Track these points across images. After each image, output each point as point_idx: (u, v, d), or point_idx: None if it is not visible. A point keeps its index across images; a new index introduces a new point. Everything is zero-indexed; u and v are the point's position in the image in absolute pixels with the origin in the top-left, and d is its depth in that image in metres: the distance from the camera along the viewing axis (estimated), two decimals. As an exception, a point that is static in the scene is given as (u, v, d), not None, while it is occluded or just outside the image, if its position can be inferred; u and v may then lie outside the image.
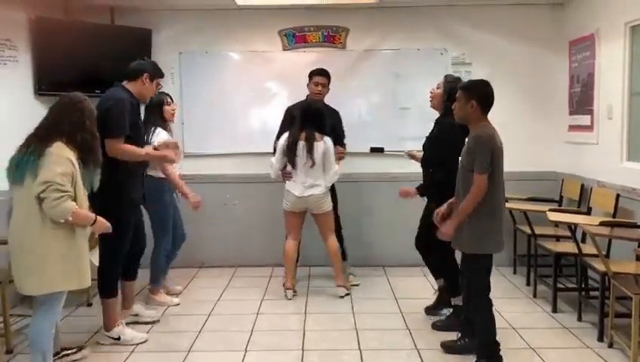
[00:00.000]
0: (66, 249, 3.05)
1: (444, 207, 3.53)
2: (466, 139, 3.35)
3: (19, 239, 3.04)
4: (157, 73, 3.93)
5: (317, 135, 4.58)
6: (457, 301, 3.94)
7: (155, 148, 4.13)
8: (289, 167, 4.64)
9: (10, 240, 3.07)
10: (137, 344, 3.79)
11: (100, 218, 3.20)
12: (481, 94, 3.29)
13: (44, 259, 3.01)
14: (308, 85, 4.94)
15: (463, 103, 3.30)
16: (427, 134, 4.15)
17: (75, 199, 3.04)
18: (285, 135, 4.66)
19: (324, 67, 4.99)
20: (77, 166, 3.08)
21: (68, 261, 3.06)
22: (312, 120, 4.59)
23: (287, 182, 4.70)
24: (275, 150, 4.84)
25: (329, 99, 5.03)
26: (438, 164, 3.90)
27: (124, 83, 3.82)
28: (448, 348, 3.59)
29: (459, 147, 3.41)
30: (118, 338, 3.79)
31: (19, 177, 3.01)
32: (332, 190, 4.87)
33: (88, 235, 3.23)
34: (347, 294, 4.73)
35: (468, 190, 3.23)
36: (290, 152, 4.59)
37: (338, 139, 4.91)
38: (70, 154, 3.05)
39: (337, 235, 4.92)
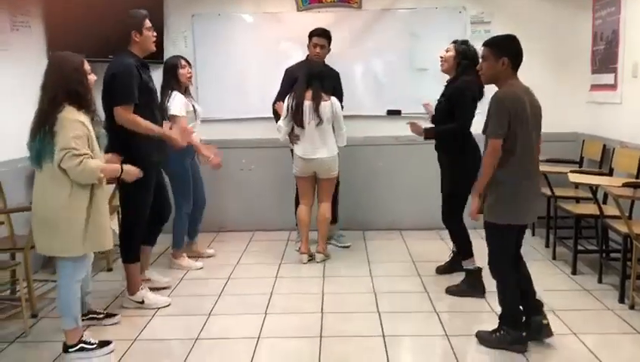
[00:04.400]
0: (86, 212, 3.06)
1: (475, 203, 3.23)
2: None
3: (42, 204, 3.06)
4: (137, 22, 3.70)
5: (323, 95, 4.52)
6: (468, 264, 3.94)
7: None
8: (297, 130, 4.59)
9: (34, 205, 3.11)
10: (160, 307, 3.84)
11: (125, 165, 3.24)
12: (513, 50, 3.06)
13: (66, 222, 3.02)
14: (308, 46, 4.86)
15: (493, 61, 3.07)
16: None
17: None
18: (288, 97, 4.60)
19: (340, 28, 4.89)
20: (90, 127, 3.08)
21: (89, 224, 3.07)
22: (317, 79, 4.53)
23: (294, 145, 4.65)
24: (274, 112, 4.79)
25: (343, 61, 4.95)
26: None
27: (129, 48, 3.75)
28: (484, 340, 3.27)
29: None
30: (142, 302, 3.84)
31: (41, 163, 3.03)
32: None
33: (108, 197, 3.25)
34: (324, 260, 4.73)
35: None
36: (296, 112, 4.52)
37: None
38: (81, 117, 3.04)
39: (333, 198, 4.93)
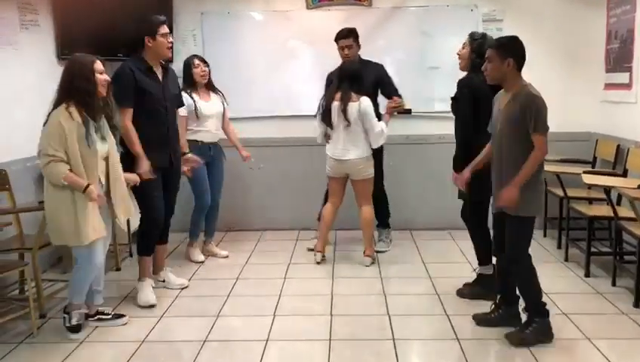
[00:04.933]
0: (68, 206, 3.19)
1: (467, 173, 3.50)
2: (501, 99, 3.23)
3: (45, 197, 3.30)
4: (153, 27, 3.71)
5: (353, 95, 4.43)
6: (484, 270, 3.87)
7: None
8: (329, 130, 4.55)
9: None
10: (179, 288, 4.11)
11: (90, 187, 3.20)
12: (517, 51, 3.15)
13: (53, 214, 3.23)
14: (338, 50, 4.78)
15: (498, 63, 3.14)
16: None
17: (69, 161, 3.15)
18: (321, 97, 4.59)
19: (350, 26, 4.81)
20: (70, 127, 3.13)
21: (71, 218, 3.19)
22: (348, 80, 4.46)
23: (327, 145, 4.60)
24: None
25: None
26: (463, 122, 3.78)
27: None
28: (481, 320, 3.48)
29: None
30: (163, 281, 4.15)
31: None
32: (379, 152, 4.75)
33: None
34: (372, 263, 4.65)
35: (513, 155, 3.12)
36: (325, 114, 4.50)
37: (387, 90, 4.78)
38: (63, 116, 3.13)
39: (382, 199, 4.90)
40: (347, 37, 4.73)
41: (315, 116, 4.67)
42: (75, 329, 3.42)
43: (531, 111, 3.07)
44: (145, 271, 3.99)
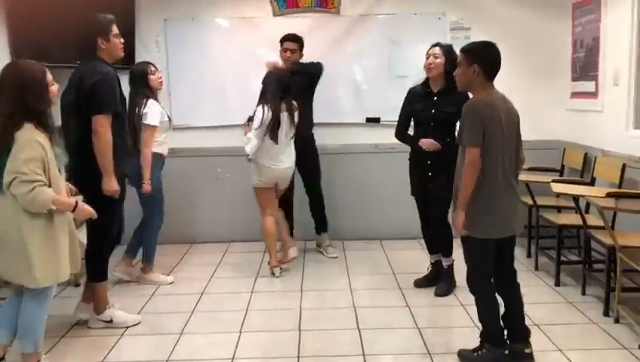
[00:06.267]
0: (44, 239, 2.84)
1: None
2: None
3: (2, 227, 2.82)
4: (103, 28, 3.48)
5: (294, 104, 4.48)
6: (448, 261, 4.11)
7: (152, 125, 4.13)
8: (268, 141, 4.42)
9: None
10: (129, 326, 3.64)
11: (80, 203, 2.98)
12: (484, 57, 2.93)
13: (25, 249, 2.79)
14: (279, 52, 4.78)
15: (465, 68, 2.96)
16: (423, 106, 3.98)
17: (50, 185, 2.82)
18: (261, 109, 4.40)
19: (317, 33, 4.81)
20: (47, 147, 2.83)
21: (47, 253, 2.84)
22: (288, 91, 4.44)
23: (263, 157, 4.47)
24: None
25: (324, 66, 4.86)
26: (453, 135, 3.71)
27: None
28: (466, 359, 3.14)
29: None
30: (110, 321, 3.64)
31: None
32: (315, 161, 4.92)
33: (68, 223, 3.00)
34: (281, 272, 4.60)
35: (459, 169, 2.96)
36: (275, 125, 4.38)
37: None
38: (39, 136, 2.80)
39: (319, 204, 5.01)
40: (294, 41, 4.76)
41: (245, 126, 4.58)
42: None
43: (462, 119, 2.93)
44: (105, 297, 3.65)
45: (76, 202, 2.97)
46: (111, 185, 3.40)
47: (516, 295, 3.12)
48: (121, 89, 3.61)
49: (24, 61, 2.96)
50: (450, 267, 4.13)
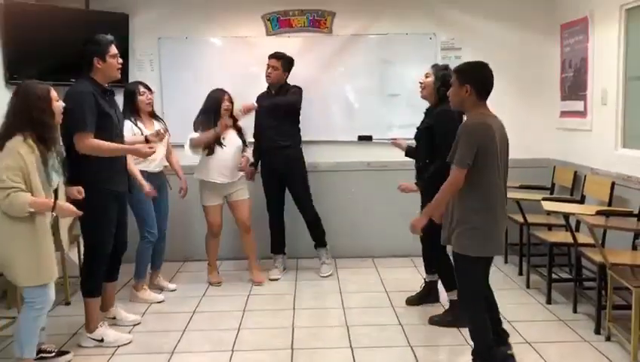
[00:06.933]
0: (28, 244, 2.99)
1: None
2: None
3: None
4: (102, 48, 3.53)
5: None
6: (452, 296, 3.81)
7: (147, 140, 4.07)
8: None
9: None
10: (121, 346, 3.62)
11: (59, 201, 3.07)
12: (476, 78, 3.00)
13: (10, 252, 2.98)
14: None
15: (457, 88, 3.03)
16: (418, 125, 4.01)
17: (31, 191, 2.97)
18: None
19: (310, 53, 4.87)
20: (30, 160, 2.97)
21: (30, 257, 2.99)
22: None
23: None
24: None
25: (314, 86, 5.04)
26: (432, 154, 3.74)
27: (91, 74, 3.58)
28: None
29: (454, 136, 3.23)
30: (101, 340, 3.62)
31: None
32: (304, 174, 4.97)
33: (49, 227, 3.12)
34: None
35: None
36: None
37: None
38: (23, 148, 2.96)
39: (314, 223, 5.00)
40: (276, 58, 4.80)
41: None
42: None
43: (457, 140, 2.98)
44: (97, 315, 3.66)
45: (54, 201, 3.03)
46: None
47: (491, 299, 3.21)
48: (113, 108, 3.63)
49: (32, 81, 3.16)
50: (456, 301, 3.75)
